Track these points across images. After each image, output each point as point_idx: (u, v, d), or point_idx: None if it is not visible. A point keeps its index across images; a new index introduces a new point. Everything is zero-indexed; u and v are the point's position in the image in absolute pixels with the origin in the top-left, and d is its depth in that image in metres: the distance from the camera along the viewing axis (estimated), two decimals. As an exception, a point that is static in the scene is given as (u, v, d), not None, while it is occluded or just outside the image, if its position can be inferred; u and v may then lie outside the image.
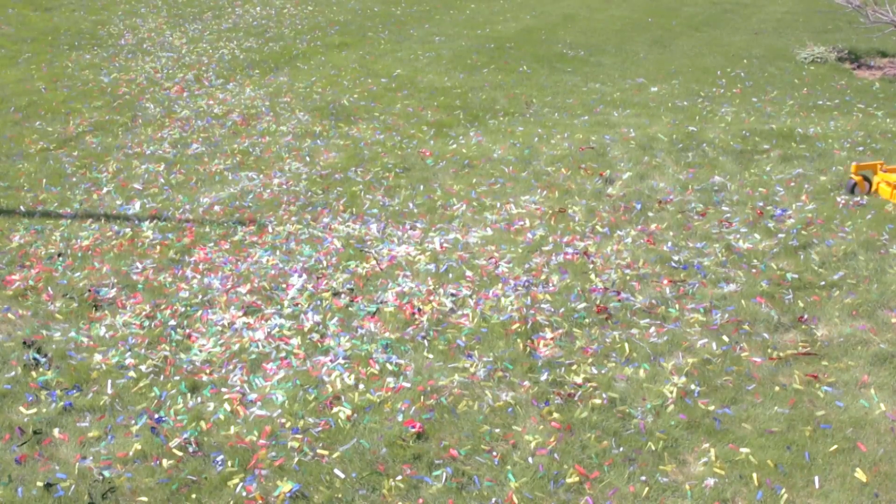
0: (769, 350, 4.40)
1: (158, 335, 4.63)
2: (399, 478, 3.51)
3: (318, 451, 3.68)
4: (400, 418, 3.87)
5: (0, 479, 3.53)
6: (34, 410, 4.00)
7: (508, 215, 6.15)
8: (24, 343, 4.54)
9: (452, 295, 4.99)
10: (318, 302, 4.95)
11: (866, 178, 6.44)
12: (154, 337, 4.61)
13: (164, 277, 5.28)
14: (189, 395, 4.12)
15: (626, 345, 4.44)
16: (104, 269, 5.39)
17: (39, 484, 3.50)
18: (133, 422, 3.91)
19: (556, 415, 3.89)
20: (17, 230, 5.96)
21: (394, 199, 6.48)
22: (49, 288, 5.15)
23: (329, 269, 5.36)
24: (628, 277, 5.18)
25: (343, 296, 5.02)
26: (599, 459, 3.61)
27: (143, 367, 4.32)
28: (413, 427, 3.79)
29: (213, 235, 5.86)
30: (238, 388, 4.17)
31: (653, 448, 3.67)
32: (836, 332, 4.56)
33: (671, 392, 4.05)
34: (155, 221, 6.11)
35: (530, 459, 3.61)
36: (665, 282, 5.12)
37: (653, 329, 4.60)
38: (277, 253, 5.59)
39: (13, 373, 4.29)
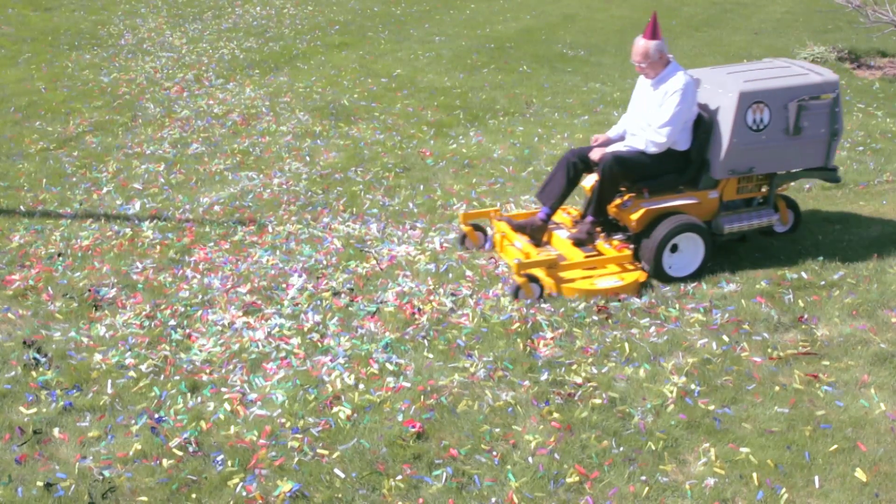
0: (769, 350, 4.40)
1: (158, 335, 4.63)
2: (399, 477, 3.51)
3: (318, 450, 3.68)
4: (400, 418, 3.87)
5: (0, 479, 3.53)
6: (34, 410, 4.00)
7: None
8: (24, 343, 4.53)
9: (452, 295, 4.99)
10: (318, 302, 4.95)
11: (478, 228, 5.60)
12: (154, 337, 4.61)
13: (164, 277, 5.28)
14: (189, 394, 4.12)
15: (626, 345, 4.44)
16: (104, 269, 5.40)
17: (39, 484, 3.50)
18: (133, 422, 3.91)
19: (556, 414, 3.89)
20: (17, 230, 5.96)
21: (394, 199, 6.48)
22: (49, 288, 5.15)
23: (329, 269, 5.36)
24: (628, 277, 5.19)
25: (343, 296, 5.02)
26: (599, 459, 3.60)
27: (143, 367, 4.32)
28: (413, 427, 3.79)
29: (213, 235, 5.87)
30: (238, 387, 4.17)
31: (653, 448, 3.67)
32: (836, 331, 4.56)
33: (671, 392, 4.05)
34: (155, 221, 6.11)
35: (530, 459, 3.61)
36: (665, 282, 5.13)
37: (653, 329, 4.60)
38: (277, 253, 5.60)
39: (13, 373, 4.29)
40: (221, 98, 9.12)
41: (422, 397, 4.02)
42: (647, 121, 5.18)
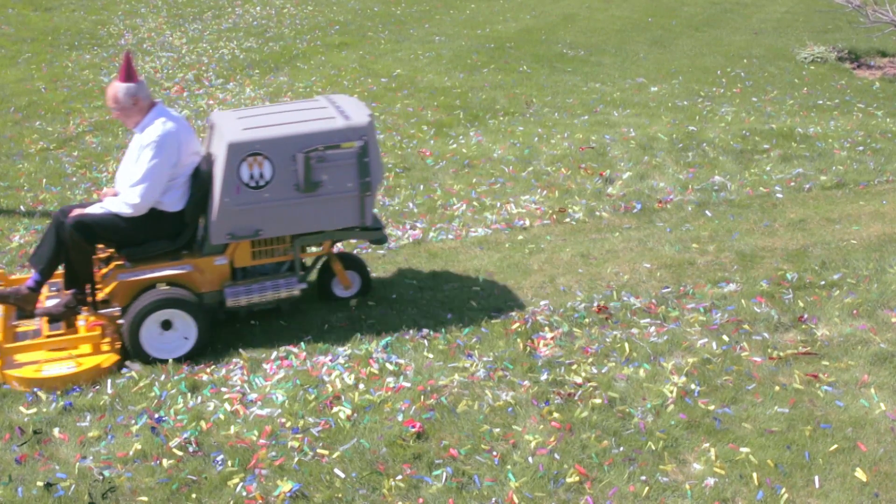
0: (769, 350, 4.40)
1: (158, 335, 4.62)
2: (399, 477, 3.51)
3: (318, 450, 3.68)
4: (400, 418, 3.87)
5: (0, 479, 3.53)
6: (34, 410, 4.00)
7: (508, 215, 6.15)
8: (24, 343, 4.53)
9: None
10: (318, 302, 4.95)
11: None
12: (154, 337, 4.61)
13: (164, 277, 5.27)
14: (189, 394, 4.11)
15: (626, 344, 4.44)
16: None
17: (39, 484, 3.50)
18: (133, 422, 3.91)
19: (556, 414, 3.89)
20: (17, 230, 5.96)
21: (394, 198, 6.48)
22: (49, 288, 5.14)
23: (329, 268, 5.35)
24: (628, 278, 5.18)
25: (343, 296, 5.01)
26: (599, 459, 3.60)
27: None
28: (413, 427, 3.79)
29: (213, 235, 5.86)
30: (238, 387, 4.17)
31: (653, 448, 3.67)
32: (836, 331, 4.56)
33: (671, 392, 4.04)
34: (155, 221, 6.10)
35: (530, 459, 3.61)
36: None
37: (653, 329, 4.60)
38: (277, 253, 5.59)
39: (13, 373, 4.29)
40: (221, 98, 9.12)
41: (422, 397, 4.01)
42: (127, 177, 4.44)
